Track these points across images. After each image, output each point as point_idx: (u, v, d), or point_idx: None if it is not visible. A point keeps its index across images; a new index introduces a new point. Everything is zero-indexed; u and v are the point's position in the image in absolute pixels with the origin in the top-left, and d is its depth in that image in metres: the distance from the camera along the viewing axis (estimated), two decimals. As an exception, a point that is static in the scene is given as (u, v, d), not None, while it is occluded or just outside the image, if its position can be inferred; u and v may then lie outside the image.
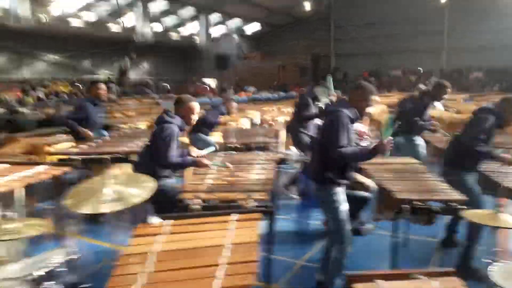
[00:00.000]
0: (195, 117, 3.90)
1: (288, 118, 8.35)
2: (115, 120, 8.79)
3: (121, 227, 4.35)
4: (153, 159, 3.65)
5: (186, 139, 6.10)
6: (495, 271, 2.24)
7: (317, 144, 3.21)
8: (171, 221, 2.51)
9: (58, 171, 3.65)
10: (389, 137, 3.01)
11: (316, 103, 6.08)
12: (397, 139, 5.83)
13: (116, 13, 23.67)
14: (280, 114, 9.95)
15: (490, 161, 3.79)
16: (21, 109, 12.57)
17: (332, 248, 3.20)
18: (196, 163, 3.74)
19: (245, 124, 8.75)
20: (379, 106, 12.03)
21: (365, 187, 4.25)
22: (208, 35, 26.35)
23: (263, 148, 5.40)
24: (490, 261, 2.46)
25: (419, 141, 5.70)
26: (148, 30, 21.21)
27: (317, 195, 3.25)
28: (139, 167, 3.76)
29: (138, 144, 4.88)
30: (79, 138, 5.35)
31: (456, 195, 3.18)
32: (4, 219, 2.26)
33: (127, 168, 4.79)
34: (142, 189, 2.69)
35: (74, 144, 5.26)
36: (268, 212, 2.85)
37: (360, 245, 3.21)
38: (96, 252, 4.19)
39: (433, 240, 4.35)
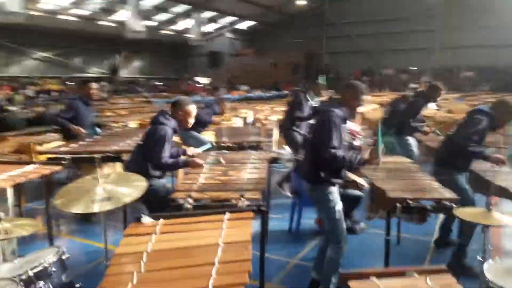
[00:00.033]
0: (192, 121, 3.91)
1: (280, 117, 8.35)
2: (106, 119, 8.72)
3: (113, 226, 4.33)
4: (145, 159, 3.63)
5: (176, 138, 6.08)
6: (488, 269, 2.25)
7: (309, 144, 3.19)
8: (164, 221, 2.50)
9: (47, 170, 3.61)
10: (381, 146, 3.02)
11: (310, 102, 6.06)
12: (389, 139, 5.86)
13: (108, 9, 23.48)
14: (273, 113, 9.95)
15: (482, 161, 3.81)
16: (10, 108, 12.45)
17: (327, 248, 3.19)
18: (189, 164, 3.73)
19: (237, 123, 8.74)
20: (371, 105, 12.10)
21: (357, 186, 4.25)
22: (200, 32, 26.23)
23: (256, 147, 5.39)
24: (482, 259, 2.47)
25: (411, 140, 5.74)
26: (140, 26, 21.03)
27: (311, 195, 3.24)
28: (131, 166, 3.74)
29: (129, 143, 4.84)
30: (69, 136, 5.30)
31: (448, 193, 3.19)
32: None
33: (118, 167, 4.76)
34: (133, 188, 2.67)
35: (64, 143, 5.20)
36: (260, 211, 2.83)
37: (353, 243, 3.22)
38: (87, 252, 4.17)
39: (426, 238, 4.38)
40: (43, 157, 4.72)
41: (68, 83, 23.64)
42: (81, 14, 23.49)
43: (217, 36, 32.84)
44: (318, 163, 3.07)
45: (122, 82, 28.08)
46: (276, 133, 8.40)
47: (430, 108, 7.63)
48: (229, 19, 30.71)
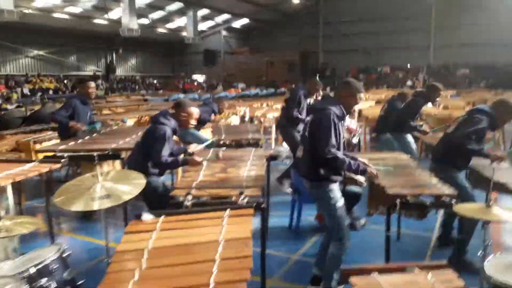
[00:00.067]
0: (193, 122, 3.92)
1: (277, 114, 8.35)
2: (103, 117, 8.69)
3: (114, 224, 4.34)
4: (145, 157, 3.64)
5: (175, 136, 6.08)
6: (488, 264, 2.26)
7: (307, 142, 3.18)
8: (164, 218, 2.50)
9: (45, 168, 3.60)
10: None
11: (308, 100, 6.07)
12: (387, 136, 5.88)
13: (102, 7, 23.39)
14: (270, 111, 9.95)
15: (481, 158, 3.82)
16: (6, 106, 12.39)
17: (329, 244, 3.19)
18: (189, 162, 3.73)
19: (235, 120, 8.73)
20: (368, 102, 12.12)
21: (356, 183, 4.26)
22: (196, 30, 26.18)
23: (254, 144, 5.39)
24: (483, 254, 2.48)
25: (409, 138, 5.75)
26: (135, 24, 20.97)
27: (311, 193, 3.24)
28: (131, 164, 3.77)
29: (127, 141, 4.83)
30: (66, 135, 5.27)
31: (447, 189, 3.20)
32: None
33: (117, 165, 4.76)
34: (133, 186, 2.67)
35: (61, 141, 5.18)
36: (260, 208, 2.83)
37: (354, 240, 3.22)
38: (89, 250, 4.17)
39: (427, 234, 4.39)
40: (41, 155, 4.70)
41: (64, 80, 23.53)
42: (75, 12, 23.40)
43: (212, 34, 32.81)
44: (317, 161, 3.07)
45: (118, 80, 28.00)
46: (273, 131, 8.43)
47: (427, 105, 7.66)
48: (224, 17, 30.66)
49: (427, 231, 4.42)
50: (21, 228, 2.24)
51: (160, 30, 29.33)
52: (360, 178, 4.26)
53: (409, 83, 24.95)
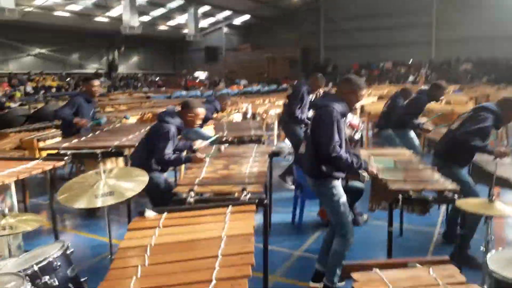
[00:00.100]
0: (199, 122, 3.98)
1: (279, 111, 8.35)
2: (105, 115, 8.69)
3: (117, 221, 4.36)
4: (148, 154, 3.67)
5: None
6: (490, 259, 2.27)
7: (310, 139, 3.17)
8: (167, 214, 2.51)
9: (49, 166, 3.62)
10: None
11: (310, 96, 6.06)
12: (388, 132, 5.88)
13: (104, 5, 23.39)
14: (272, 107, 9.94)
15: (484, 154, 3.82)
16: (9, 104, 12.43)
17: (332, 240, 3.20)
18: (191, 159, 3.76)
19: (237, 117, 8.73)
20: (370, 98, 12.09)
21: (359, 178, 4.26)
22: (197, 27, 26.15)
23: (256, 141, 5.39)
24: (485, 249, 2.48)
25: (412, 134, 5.75)
26: (136, 22, 20.96)
27: (314, 190, 3.24)
28: (134, 160, 3.82)
29: (129, 138, 4.85)
30: (69, 133, 5.29)
31: (450, 184, 3.20)
32: (-1, 214, 2.23)
33: (120, 162, 4.78)
34: (136, 183, 2.68)
35: (64, 139, 5.20)
36: (262, 204, 2.84)
37: (356, 235, 3.22)
38: (92, 247, 4.19)
39: (429, 229, 4.40)
40: (45, 153, 4.72)
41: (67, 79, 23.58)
42: (76, 10, 23.39)
43: (213, 31, 32.75)
44: (320, 157, 3.06)
45: (120, 78, 28.03)
46: (276, 127, 8.43)
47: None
48: (225, 13, 30.60)
49: (429, 226, 4.44)
50: (25, 225, 2.26)
51: (161, 27, 29.30)
52: (363, 173, 4.27)
53: (411, 78, 24.87)
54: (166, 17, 28.55)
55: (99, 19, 25.11)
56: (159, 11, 27.29)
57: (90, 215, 4.93)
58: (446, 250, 3.64)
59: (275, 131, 8.75)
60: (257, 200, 2.80)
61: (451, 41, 24.99)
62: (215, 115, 6.59)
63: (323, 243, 3.41)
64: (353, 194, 4.01)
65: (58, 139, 5.57)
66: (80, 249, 4.09)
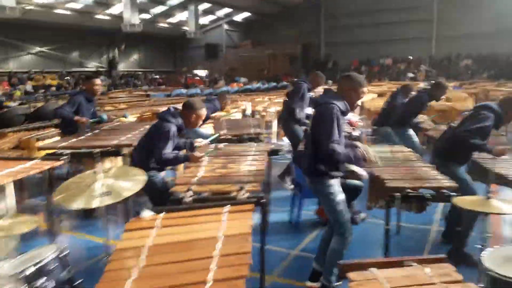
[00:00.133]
0: (200, 122, 4.00)
1: (279, 108, 8.33)
2: (105, 113, 8.69)
3: (115, 221, 4.35)
4: (147, 152, 3.68)
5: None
6: (487, 257, 2.27)
7: (310, 137, 3.17)
8: (164, 215, 2.51)
9: (47, 165, 3.61)
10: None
11: (311, 94, 6.06)
12: (387, 130, 5.89)
13: (104, 3, 23.35)
14: (272, 105, 9.93)
15: (483, 152, 3.82)
16: (9, 103, 12.42)
17: (330, 239, 3.20)
18: (189, 159, 3.76)
19: (236, 115, 8.72)
20: (370, 95, 12.07)
21: (357, 176, 4.26)
22: (197, 24, 26.11)
23: (255, 139, 5.39)
24: (481, 247, 2.48)
25: (411, 132, 5.75)
26: (137, 19, 20.93)
27: (312, 188, 3.24)
28: (134, 158, 3.87)
29: (127, 137, 4.84)
30: (69, 131, 5.29)
31: (447, 182, 3.20)
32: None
33: (119, 161, 4.77)
34: (134, 182, 2.68)
35: (63, 138, 5.20)
36: (260, 203, 2.84)
37: (353, 234, 3.22)
38: (89, 248, 4.18)
39: (426, 227, 4.40)
40: (43, 153, 4.72)
41: (67, 77, 23.53)
42: (77, 8, 23.36)
43: (213, 28, 32.69)
44: (318, 156, 3.06)
45: (120, 76, 28.00)
46: (275, 125, 8.41)
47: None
48: (225, 10, 30.53)
49: (426, 224, 4.44)
50: (22, 226, 2.26)
51: (162, 24, 29.26)
52: (361, 171, 4.27)
53: (410, 75, 24.81)
54: (167, 14, 28.52)
55: (99, 16, 25.08)
56: (160, 9, 27.27)
57: (88, 215, 4.92)
58: (443, 249, 3.64)
59: (274, 129, 8.74)
60: (255, 199, 2.80)
61: (451, 37, 24.90)
62: (214, 114, 6.58)
63: (321, 242, 3.41)
64: (351, 193, 3.99)
65: (57, 138, 5.57)
66: (77, 250, 4.04)
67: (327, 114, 2.97)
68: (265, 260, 2.82)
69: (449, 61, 25.94)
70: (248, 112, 9.32)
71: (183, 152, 4.06)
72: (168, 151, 3.64)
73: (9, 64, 23.58)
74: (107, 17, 25.11)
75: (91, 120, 5.36)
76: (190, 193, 3.06)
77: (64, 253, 2.34)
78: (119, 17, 22.17)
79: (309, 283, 3.32)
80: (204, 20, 30.31)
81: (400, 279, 1.95)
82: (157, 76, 29.76)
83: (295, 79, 6.37)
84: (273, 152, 4.66)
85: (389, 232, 3.10)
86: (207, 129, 6.45)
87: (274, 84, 21.65)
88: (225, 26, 32.89)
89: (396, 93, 6.40)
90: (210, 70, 30.63)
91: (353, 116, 6.00)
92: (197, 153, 3.78)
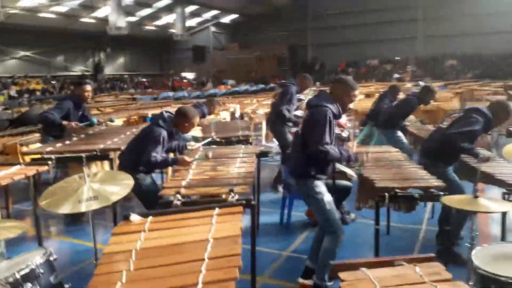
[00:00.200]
0: (191, 130, 4.04)
1: (268, 110, 8.33)
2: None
3: (104, 226, 4.31)
4: (136, 155, 3.66)
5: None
6: (475, 255, 2.28)
7: (300, 138, 3.17)
8: (152, 218, 2.48)
9: (32, 171, 3.56)
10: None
11: (299, 96, 6.07)
12: (376, 133, 5.93)
13: (89, 6, 23.15)
14: (261, 107, 9.93)
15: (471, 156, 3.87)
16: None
17: (323, 238, 3.19)
18: (178, 161, 3.74)
19: (225, 117, 8.71)
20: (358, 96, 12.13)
21: (346, 177, 4.27)
22: (184, 26, 26.04)
23: (244, 141, 5.37)
24: (470, 245, 2.50)
25: (399, 133, 5.80)
26: (123, 22, 20.78)
27: (298, 190, 3.25)
28: (122, 161, 3.85)
29: (114, 141, 4.79)
30: (57, 136, 5.20)
31: (435, 182, 3.22)
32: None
33: (106, 165, 4.72)
34: (121, 186, 2.65)
35: (47, 143, 5.10)
36: (250, 205, 2.83)
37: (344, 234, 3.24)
38: (77, 252, 4.13)
39: (416, 227, 4.43)
40: (28, 158, 4.65)
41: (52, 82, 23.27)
42: (61, 11, 23.12)
43: (200, 30, 32.65)
44: (308, 158, 3.07)
45: (106, 80, 27.79)
46: (264, 127, 8.41)
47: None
48: (213, 12, 30.51)
49: (416, 224, 4.47)
50: (8, 232, 2.21)
51: (148, 27, 29.12)
52: (350, 172, 4.29)
53: (396, 75, 25.06)
54: (153, 17, 28.39)
55: (85, 20, 24.86)
56: (146, 11, 27.13)
57: (75, 220, 4.85)
58: (433, 248, 3.66)
59: (263, 131, 8.74)
60: (244, 201, 2.79)
61: (437, 37, 25.25)
62: (202, 120, 6.54)
63: (313, 242, 3.41)
64: (341, 193, 4.02)
65: (43, 143, 5.47)
66: (65, 255, 4.05)
67: (320, 117, 2.99)
68: (256, 262, 2.81)
69: (434, 61, 26.27)
70: (237, 114, 9.31)
71: (171, 155, 4.04)
72: (157, 154, 3.63)
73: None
74: (92, 20, 24.89)
75: (81, 124, 5.27)
76: (179, 196, 3.04)
77: (52, 258, 2.30)
78: (105, 20, 22.00)
79: (301, 280, 3.32)
80: (191, 22, 30.24)
81: (390, 278, 1.95)
82: (144, 79, 29.60)
83: (283, 81, 6.37)
84: (262, 154, 4.65)
85: (379, 232, 3.11)
86: (196, 132, 6.42)
87: (262, 86, 21.68)
88: (212, 28, 32.87)
89: (384, 94, 6.44)
90: (198, 72, 30.58)
91: (341, 119, 6.04)
92: (186, 158, 3.76)
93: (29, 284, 2.09)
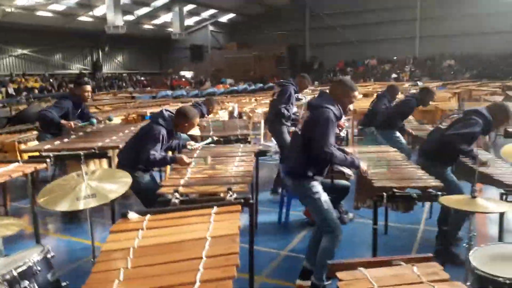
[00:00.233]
0: (191, 130, 4.05)
1: (266, 109, 8.33)
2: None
3: (102, 223, 4.30)
4: (136, 153, 3.66)
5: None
6: (473, 255, 2.29)
7: (301, 139, 3.16)
8: (150, 216, 2.48)
9: (30, 168, 3.55)
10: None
11: (297, 95, 6.06)
12: (371, 130, 5.94)
13: (87, 5, 23.09)
14: (259, 106, 9.93)
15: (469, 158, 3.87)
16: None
17: (320, 238, 3.19)
18: (176, 160, 3.74)
19: (223, 116, 8.70)
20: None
21: (345, 176, 4.28)
22: (182, 25, 26.01)
23: (242, 140, 5.37)
24: (468, 245, 2.51)
25: (397, 133, 5.80)
26: (120, 21, 20.74)
27: (294, 190, 3.25)
28: (121, 158, 3.84)
29: (112, 139, 4.78)
30: (55, 134, 5.18)
31: (433, 181, 3.23)
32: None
33: (104, 163, 4.72)
34: (119, 184, 2.65)
35: (45, 141, 5.10)
36: (248, 204, 2.83)
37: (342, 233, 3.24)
38: (75, 250, 4.13)
39: (414, 227, 4.43)
40: (26, 156, 4.64)
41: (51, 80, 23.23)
42: (59, 10, 23.06)
43: (198, 30, 32.62)
44: (307, 159, 3.07)
45: (104, 78, 27.75)
46: (263, 126, 8.41)
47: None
48: (211, 11, 30.47)
49: (414, 224, 4.48)
50: (5, 229, 2.21)
51: (146, 26, 29.07)
52: (348, 171, 4.29)
53: (394, 75, 25.09)
54: (151, 16, 28.34)
55: (82, 18, 24.80)
56: (144, 10, 27.08)
57: (74, 218, 4.85)
58: (431, 248, 3.67)
59: (262, 130, 8.74)
60: (242, 200, 2.79)
61: (435, 37, 25.30)
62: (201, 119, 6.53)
63: (310, 242, 3.40)
64: (339, 192, 4.02)
65: (41, 141, 5.46)
66: (63, 252, 4.04)
67: (322, 118, 2.99)
68: (254, 261, 2.81)
69: (432, 61, 26.32)
70: (235, 113, 9.31)
71: (170, 154, 4.04)
72: (156, 152, 3.63)
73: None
74: (90, 19, 24.83)
75: (80, 124, 5.26)
76: (177, 194, 3.03)
77: (49, 256, 2.30)
78: (103, 19, 21.95)
79: (299, 281, 3.31)
80: (189, 21, 30.20)
81: (388, 278, 1.95)
82: (142, 78, 29.56)
83: (282, 80, 6.37)
84: (261, 153, 4.65)
85: (377, 232, 3.11)
86: (194, 131, 6.41)
87: (260, 85, 21.68)
88: (210, 27, 32.83)
89: (382, 94, 6.45)
90: (196, 71, 30.56)
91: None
92: (185, 158, 3.76)
93: (26, 282, 2.08)
